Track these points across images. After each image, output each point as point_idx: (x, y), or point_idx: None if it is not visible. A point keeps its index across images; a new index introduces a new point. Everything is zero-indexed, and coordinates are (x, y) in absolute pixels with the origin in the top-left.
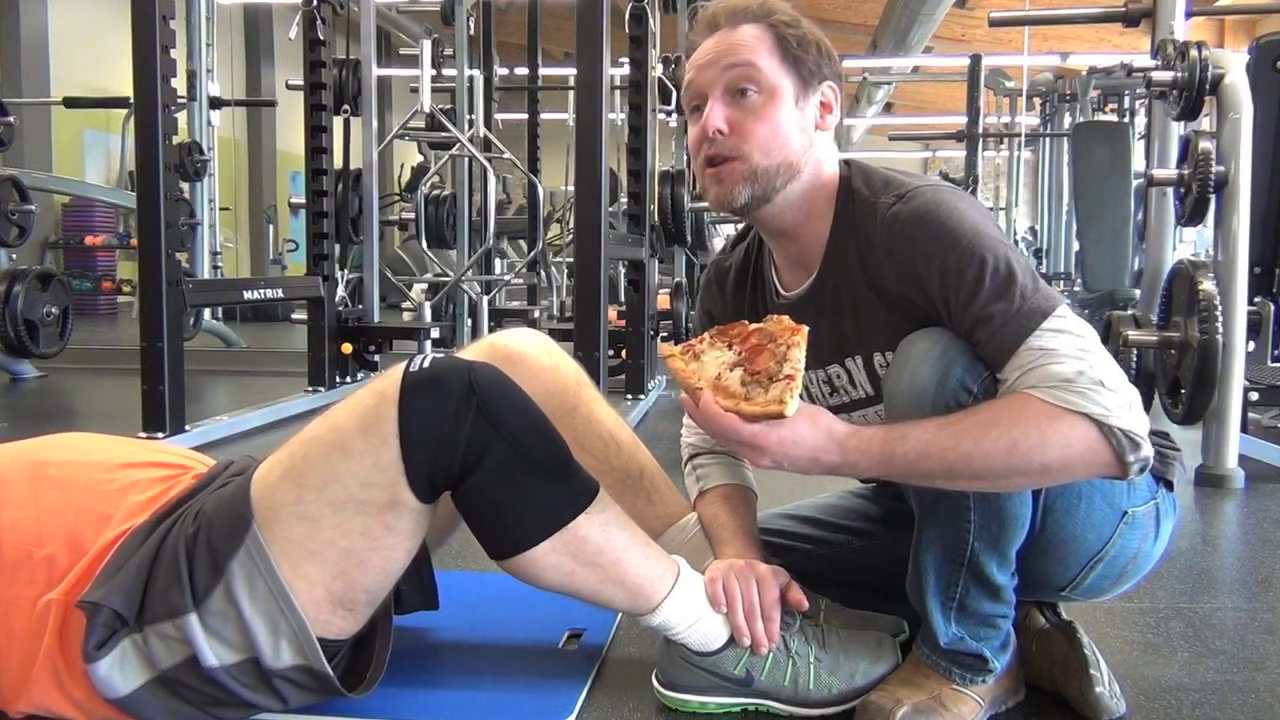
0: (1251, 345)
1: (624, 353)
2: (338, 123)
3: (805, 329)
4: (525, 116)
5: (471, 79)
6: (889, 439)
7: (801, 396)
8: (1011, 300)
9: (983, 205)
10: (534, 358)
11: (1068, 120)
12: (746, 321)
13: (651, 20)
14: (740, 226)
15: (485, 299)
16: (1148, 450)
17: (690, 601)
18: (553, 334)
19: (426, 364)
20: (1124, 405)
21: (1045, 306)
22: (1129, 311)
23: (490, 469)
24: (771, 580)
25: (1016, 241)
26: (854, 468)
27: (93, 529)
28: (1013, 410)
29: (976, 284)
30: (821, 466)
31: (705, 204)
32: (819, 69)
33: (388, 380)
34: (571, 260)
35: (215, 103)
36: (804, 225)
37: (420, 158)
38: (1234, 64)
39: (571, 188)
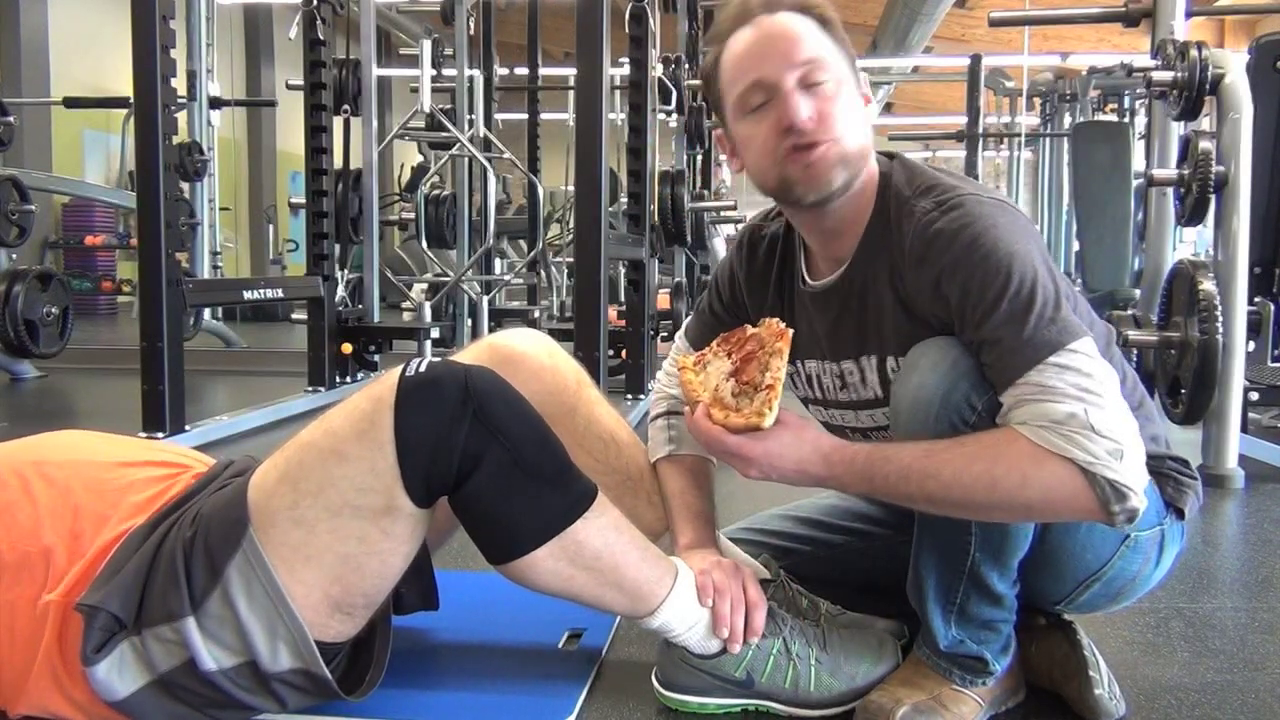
0: (1251, 345)
1: (624, 353)
2: (338, 123)
3: (790, 332)
4: (525, 116)
5: (471, 79)
6: (873, 458)
7: (809, 387)
8: (1023, 327)
9: (1027, 219)
10: (534, 358)
11: (1068, 120)
12: (748, 326)
13: (651, 20)
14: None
15: (485, 299)
16: (1136, 502)
17: (689, 603)
18: (553, 334)
19: (423, 368)
20: (1113, 454)
21: (1056, 340)
22: (1129, 311)
23: (487, 474)
24: (756, 581)
25: None
26: (839, 481)
27: (91, 529)
28: (999, 447)
29: (994, 304)
30: (807, 478)
31: (705, 204)
32: (852, 55)
33: (384, 385)
34: (571, 260)
35: (215, 103)
36: (848, 218)
37: (420, 158)
38: (1234, 64)
39: (571, 188)
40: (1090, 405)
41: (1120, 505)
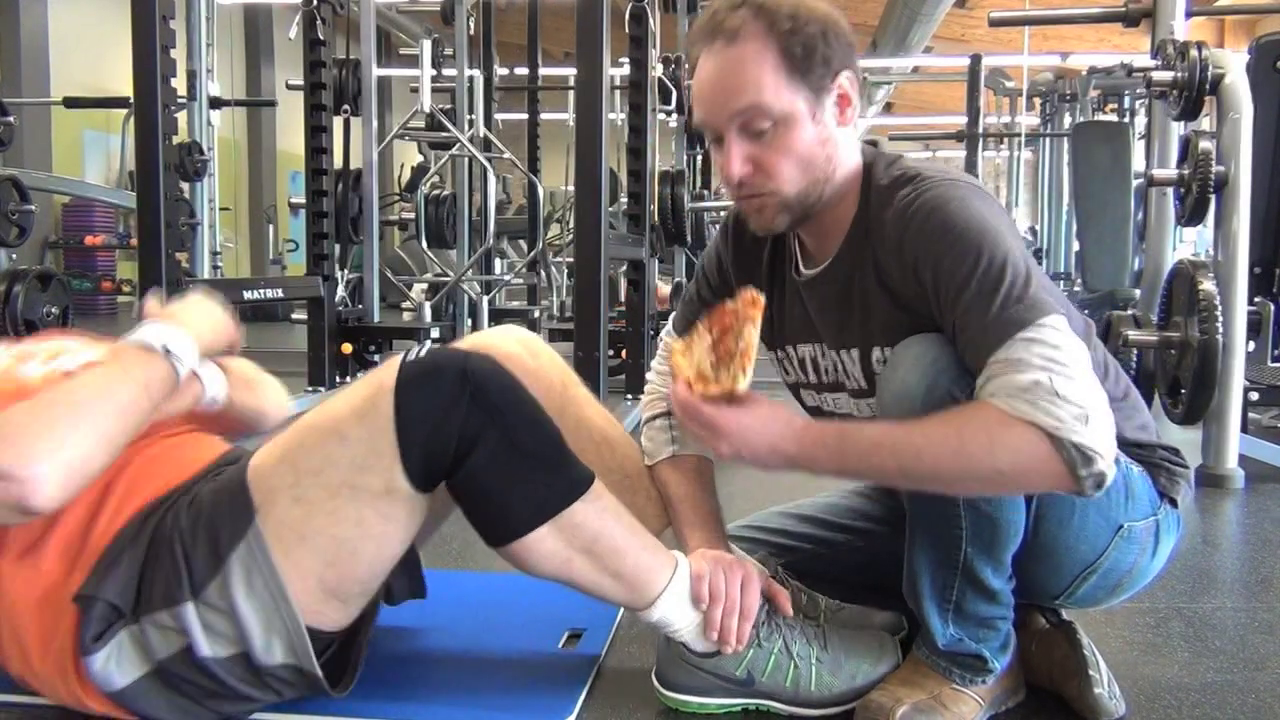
0: (1251, 345)
1: (624, 353)
2: (338, 123)
3: (762, 300)
4: (525, 116)
5: (471, 79)
6: (844, 433)
7: (801, 371)
8: (991, 305)
9: (998, 202)
10: (517, 360)
11: (1068, 120)
12: (726, 301)
13: (651, 20)
14: None
15: (485, 299)
16: (1102, 466)
17: (687, 598)
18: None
19: (423, 354)
20: (1079, 418)
21: (1024, 317)
22: (1129, 311)
23: (484, 456)
24: (757, 583)
25: None
26: (811, 460)
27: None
28: (966, 414)
29: (964, 283)
30: (780, 457)
31: (705, 204)
32: (829, 66)
33: (385, 371)
34: (571, 260)
35: (215, 103)
36: (831, 214)
37: (420, 158)
38: (1234, 64)
39: (571, 188)
40: (1055, 374)
41: (1087, 470)
